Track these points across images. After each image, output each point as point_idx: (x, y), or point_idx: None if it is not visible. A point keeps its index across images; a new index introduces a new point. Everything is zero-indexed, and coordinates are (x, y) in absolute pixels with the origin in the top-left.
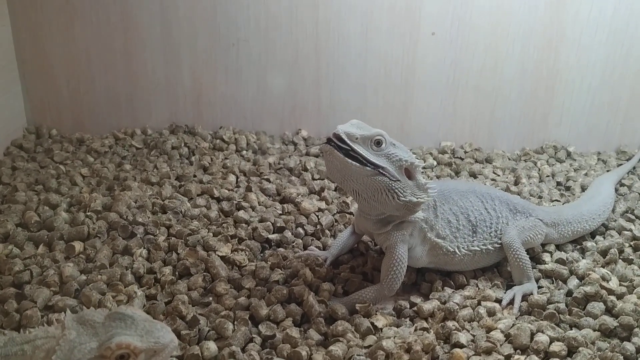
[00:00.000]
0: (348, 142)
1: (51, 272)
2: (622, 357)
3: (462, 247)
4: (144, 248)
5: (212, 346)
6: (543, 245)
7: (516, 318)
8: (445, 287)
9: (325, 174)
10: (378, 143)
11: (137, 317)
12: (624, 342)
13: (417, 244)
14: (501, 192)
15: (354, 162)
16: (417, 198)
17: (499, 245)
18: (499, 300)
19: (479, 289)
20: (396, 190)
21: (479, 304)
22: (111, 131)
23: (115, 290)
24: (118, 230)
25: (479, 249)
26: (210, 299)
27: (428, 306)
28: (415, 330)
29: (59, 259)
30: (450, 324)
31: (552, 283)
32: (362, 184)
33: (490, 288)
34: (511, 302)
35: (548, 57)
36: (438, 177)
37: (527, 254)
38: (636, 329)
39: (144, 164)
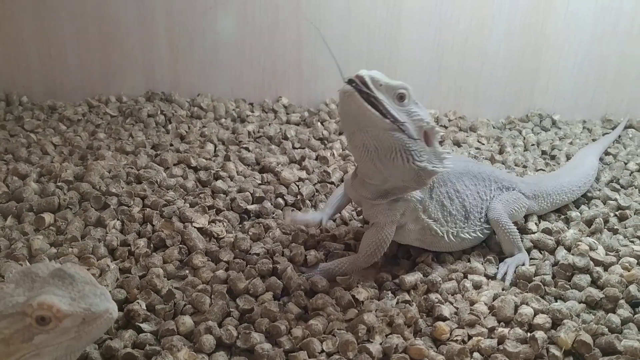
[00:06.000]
0: (372, 87)
1: (20, 245)
2: (606, 329)
3: (451, 233)
4: (118, 219)
5: (188, 321)
6: (525, 217)
7: (503, 289)
8: (431, 261)
9: (339, 119)
10: (401, 97)
11: (78, 277)
12: (609, 314)
13: (407, 222)
14: (491, 169)
15: (374, 111)
16: (432, 166)
17: (487, 231)
18: (487, 275)
19: (469, 262)
20: (412, 152)
21: (465, 277)
22: (84, 98)
23: (87, 263)
24: (90, 201)
25: (469, 236)
26: (187, 272)
27: (410, 278)
28: (397, 303)
29: (28, 231)
30: (433, 296)
31: (541, 253)
32: (376, 137)
33: (482, 263)
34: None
35: (536, 22)
36: None
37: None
38: (621, 301)
39: (119, 133)
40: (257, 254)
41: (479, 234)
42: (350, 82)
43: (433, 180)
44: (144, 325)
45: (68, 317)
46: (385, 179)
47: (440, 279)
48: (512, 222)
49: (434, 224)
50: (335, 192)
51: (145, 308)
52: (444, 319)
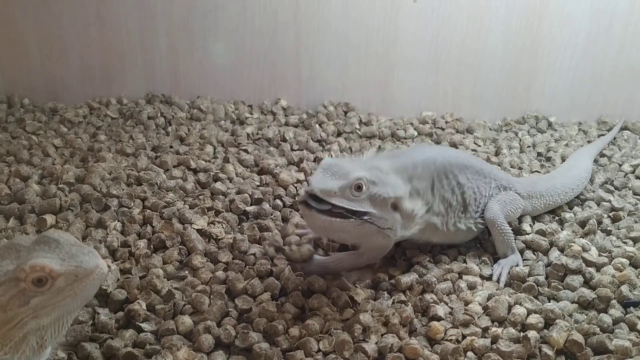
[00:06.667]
0: (327, 199)
1: None
2: (598, 329)
3: (450, 224)
4: (118, 221)
5: (187, 320)
6: (520, 218)
7: (497, 289)
8: (427, 262)
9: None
10: (358, 188)
11: (63, 240)
12: (601, 314)
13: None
14: (491, 167)
15: (337, 219)
16: (407, 231)
17: (482, 226)
18: (482, 276)
19: (465, 262)
20: (386, 232)
21: (460, 277)
22: (85, 100)
23: None
24: (91, 203)
25: (464, 227)
26: (186, 272)
27: (406, 279)
28: (393, 303)
29: (30, 232)
30: (428, 296)
31: (535, 254)
32: (350, 234)
33: (478, 264)
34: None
35: (531, 26)
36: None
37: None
38: (613, 301)
39: (119, 135)
40: (254, 255)
41: (473, 228)
42: (303, 202)
43: (433, 178)
44: (144, 325)
45: (61, 275)
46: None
47: (435, 279)
48: (507, 223)
49: (434, 217)
50: None
51: (145, 308)
52: (439, 319)
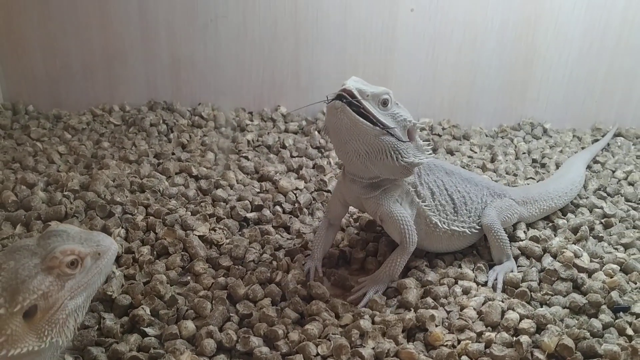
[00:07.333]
0: (360, 99)
1: None
2: (588, 333)
3: (444, 223)
4: (122, 228)
5: (190, 325)
6: (514, 225)
7: (491, 294)
8: (424, 267)
9: (324, 130)
10: (384, 103)
11: (71, 230)
12: (592, 319)
13: (405, 207)
14: (481, 177)
15: (365, 122)
16: (418, 159)
17: (476, 231)
18: (477, 282)
19: (460, 267)
20: (401, 151)
21: (455, 282)
22: (89, 107)
23: None
24: (96, 210)
25: (459, 229)
26: (189, 278)
27: (408, 281)
28: (396, 308)
29: None
30: (429, 300)
31: (528, 260)
32: (368, 144)
33: (473, 270)
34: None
35: (526, 34)
36: None
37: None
38: (603, 306)
39: (122, 142)
40: (254, 261)
41: (467, 231)
42: (339, 96)
43: (419, 169)
44: (148, 330)
45: (87, 256)
46: (376, 175)
47: (433, 284)
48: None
49: (428, 209)
50: (318, 233)
51: (149, 313)
52: (436, 325)
